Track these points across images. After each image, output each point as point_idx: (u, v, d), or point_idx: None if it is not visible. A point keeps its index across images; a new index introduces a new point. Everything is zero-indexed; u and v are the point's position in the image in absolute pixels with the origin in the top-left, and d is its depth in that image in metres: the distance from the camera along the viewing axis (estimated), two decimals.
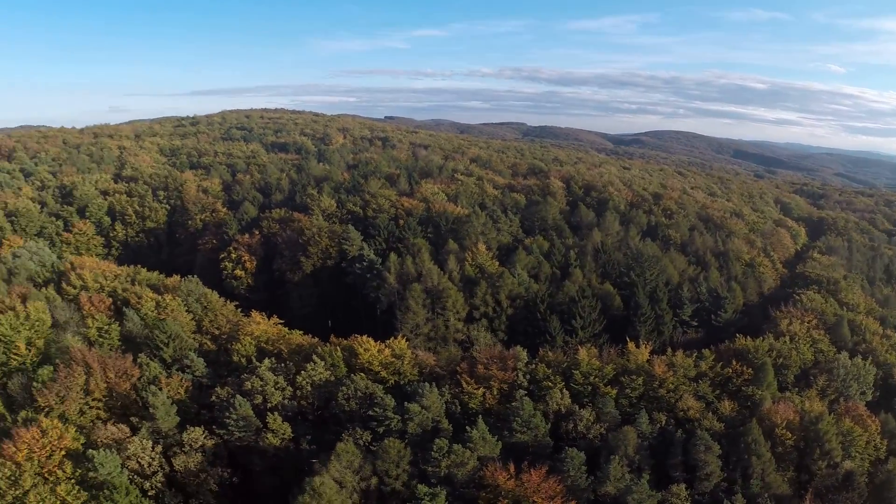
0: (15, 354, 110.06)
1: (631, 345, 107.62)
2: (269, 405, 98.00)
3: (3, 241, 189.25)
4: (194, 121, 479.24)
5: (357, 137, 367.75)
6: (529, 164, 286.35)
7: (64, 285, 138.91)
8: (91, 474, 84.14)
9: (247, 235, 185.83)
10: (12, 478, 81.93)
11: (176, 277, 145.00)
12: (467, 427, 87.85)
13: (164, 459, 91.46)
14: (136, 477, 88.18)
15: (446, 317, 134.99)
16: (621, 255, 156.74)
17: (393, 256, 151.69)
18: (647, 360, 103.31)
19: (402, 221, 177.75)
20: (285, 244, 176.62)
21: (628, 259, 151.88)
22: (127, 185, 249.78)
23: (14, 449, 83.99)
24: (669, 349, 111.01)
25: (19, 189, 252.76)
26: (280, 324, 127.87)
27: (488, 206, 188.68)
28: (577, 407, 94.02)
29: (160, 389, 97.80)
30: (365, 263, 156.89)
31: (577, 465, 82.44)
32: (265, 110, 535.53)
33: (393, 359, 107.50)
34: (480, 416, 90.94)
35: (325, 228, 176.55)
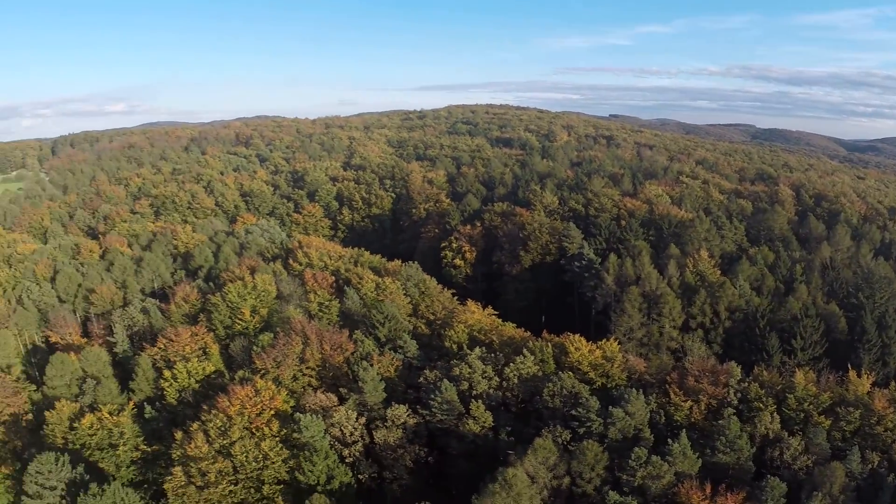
0: (240, 319, 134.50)
1: (852, 373, 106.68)
2: (474, 392, 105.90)
3: (238, 218, 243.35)
4: (421, 114, 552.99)
5: (581, 135, 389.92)
6: (758, 168, 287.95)
7: (291, 261, 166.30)
8: (295, 435, 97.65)
9: (468, 227, 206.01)
10: (223, 428, 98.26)
11: (397, 262, 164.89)
12: (669, 440, 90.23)
13: (365, 431, 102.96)
14: (336, 443, 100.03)
15: (661, 323, 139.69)
16: (850, 273, 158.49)
17: (612, 257, 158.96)
18: (868, 393, 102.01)
19: (623, 222, 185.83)
20: (506, 237, 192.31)
21: (858, 278, 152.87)
22: (355, 172, 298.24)
23: (228, 403, 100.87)
24: (893, 382, 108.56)
25: (255, 172, 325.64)
26: (494, 315, 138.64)
27: (713, 212, 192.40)
28: (786, 434, 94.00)
29: (371, 365, 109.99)
30: (584, 262, 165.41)
31: (776, 496, 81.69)
32: (490, 106, 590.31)
33: (603, 361, 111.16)
34: (684, 429, 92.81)
35: (546, 224, 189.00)
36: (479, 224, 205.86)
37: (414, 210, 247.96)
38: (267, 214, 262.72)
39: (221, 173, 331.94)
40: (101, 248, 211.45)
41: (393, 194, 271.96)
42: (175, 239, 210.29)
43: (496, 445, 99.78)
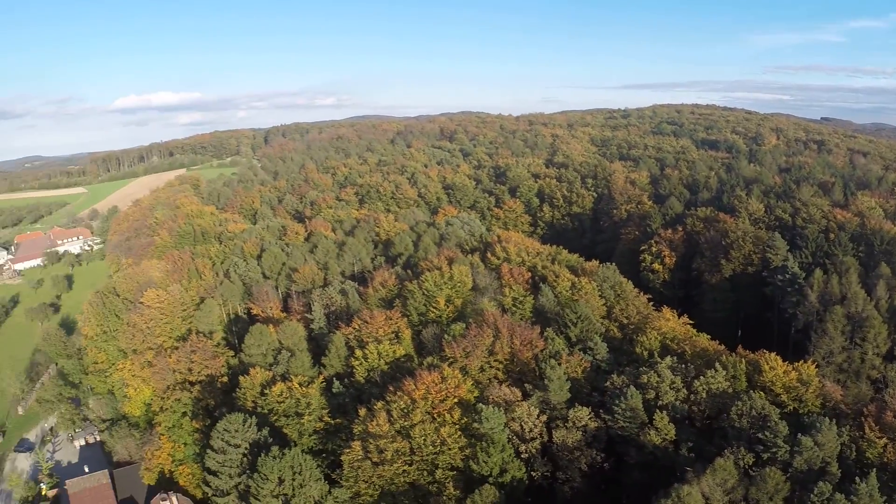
0: (434, 308, 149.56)
1: None
2: (659, 403, 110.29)
3: (440, 209, 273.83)
4: (625, 113, 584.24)
5: (791, 139, 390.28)
6: None
7: (489, 255, 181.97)
8: (475, 425, 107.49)
9: (669, 231, 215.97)
10: (405, 410, 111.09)
11: (594, 262, 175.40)
12: (857, 478, 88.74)
13: (545, 429, 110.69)
14: (514, 438, 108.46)
15: (864, 349, 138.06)
16: None
17: (818, 272, 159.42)
18: None
19: (832, 235, 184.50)
20: (707, 244, 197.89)
21: None
22: (557, 170, 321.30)
23: (414, 387, 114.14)
24: None
25: (458, 166, 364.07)
26: (689, 324, 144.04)
27: None
28: None
29: (559, 364, 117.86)
30: (787, 276, 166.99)
31: None
32: (696, 106, 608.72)
33: (797, 384, 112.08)
34: (875, 469, 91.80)
35: (751, 233, 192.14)
36: (680, 229, 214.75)
37: (615, 211, 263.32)
38: (468, 208, 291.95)
39: (425, 166, 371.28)
40: (306, 231, 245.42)
41: (594, 194, 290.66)
42: (377, 226, 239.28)
43: (675, 460, 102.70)
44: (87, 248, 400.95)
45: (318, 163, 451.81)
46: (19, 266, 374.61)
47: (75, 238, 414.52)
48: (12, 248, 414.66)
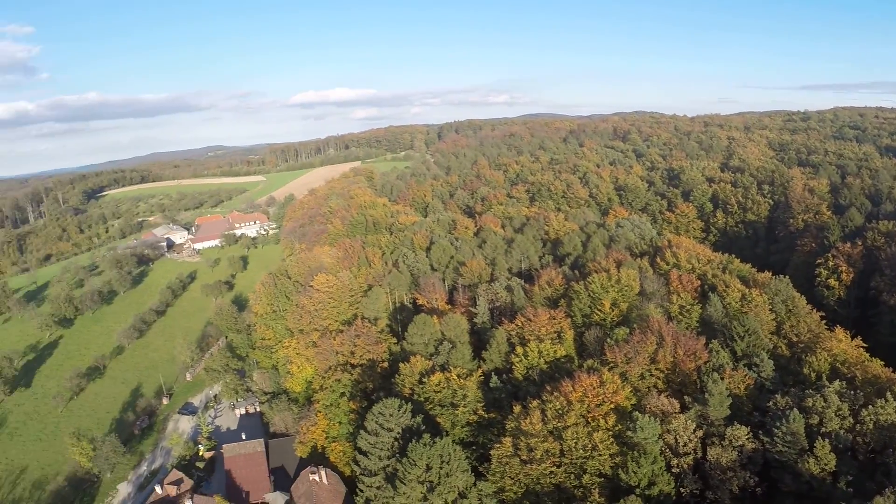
0: (598, 310, 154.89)
1: None
2: (822, 429, 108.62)
3: (610, 210, 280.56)
4: (805, 116, 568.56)
5: None
6: None
7: (658, 260, 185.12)
8: (629, 433, 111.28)
9: (848, 244, 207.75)
10: (560, 411, 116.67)
11: (767, 274, 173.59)
12: None
13: (699, 445, 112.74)
14: (666, 450, 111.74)
15: None
16: None
17: None
18: None
19: None
20: (888, 262, 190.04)
21: None
22: (732, 174, 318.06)
23: (571, 388, 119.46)
24: None
25: (630, 167, 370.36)
26: (862, 347, 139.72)
27: None
28: None
29: (721, 379, 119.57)
30: None
31: None
32: (880, 109, 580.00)
33: None
34: None
35: None
36: (859, 242, 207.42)
37: (791, 220, 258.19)
38: (639, 210, 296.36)
39: (597, 166, 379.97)
40: (475, 226, 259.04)
41: (770, 201, 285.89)
42: (546, 225, 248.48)
43: (831, 492, 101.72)
44: (262, 232, 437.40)
45: (491, 159, 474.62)
46: (199, 245, 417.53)
47: (252, 222, 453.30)
48: (193, 228, 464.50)
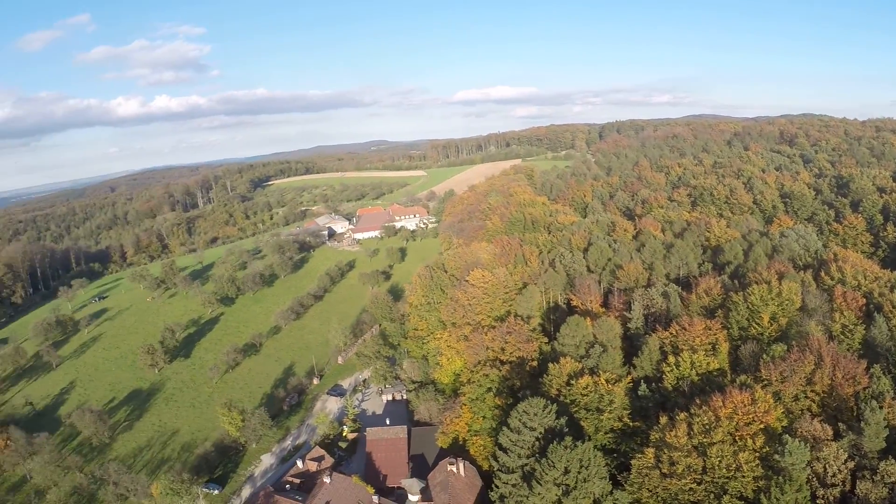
0: (756, 323, 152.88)
1: None
2: None
3: (775, 219, 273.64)
4: None
5: None
6: None
7: (822, 274, 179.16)
8: (776, 457, 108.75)
9: None
10: (707, 426, 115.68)
11: None
12: None
13: (849, 477, 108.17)
14: (813, 479, 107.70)
15: None
16: None
17: None
18: None
19: None
20: None
21: None
22: None
23: (721, 404, 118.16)
24: None
25: (797, 173, 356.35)
26: None
27: None
28: None
29: (881, 408, 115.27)
30: None
31: None
32: None
33: None
34: None
35: None
36: None
37: None
38: (805, 220, 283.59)
39: (763, 171, 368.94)
40: (635, 229, 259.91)
41: None
42: (708, 231, 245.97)
43: None
44: (421, 225, 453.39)
45: (652, 161, 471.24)
46: (359, 235, 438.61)
47: (412, 216, 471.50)
48: (354, 219, 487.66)
